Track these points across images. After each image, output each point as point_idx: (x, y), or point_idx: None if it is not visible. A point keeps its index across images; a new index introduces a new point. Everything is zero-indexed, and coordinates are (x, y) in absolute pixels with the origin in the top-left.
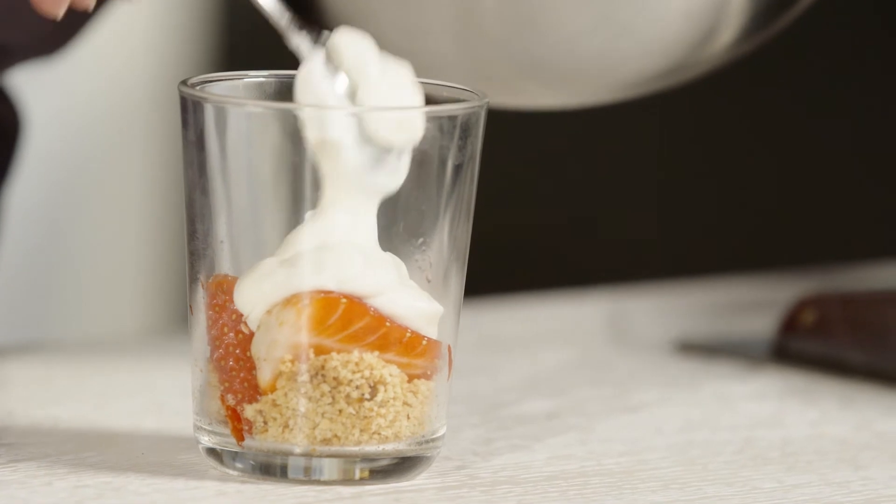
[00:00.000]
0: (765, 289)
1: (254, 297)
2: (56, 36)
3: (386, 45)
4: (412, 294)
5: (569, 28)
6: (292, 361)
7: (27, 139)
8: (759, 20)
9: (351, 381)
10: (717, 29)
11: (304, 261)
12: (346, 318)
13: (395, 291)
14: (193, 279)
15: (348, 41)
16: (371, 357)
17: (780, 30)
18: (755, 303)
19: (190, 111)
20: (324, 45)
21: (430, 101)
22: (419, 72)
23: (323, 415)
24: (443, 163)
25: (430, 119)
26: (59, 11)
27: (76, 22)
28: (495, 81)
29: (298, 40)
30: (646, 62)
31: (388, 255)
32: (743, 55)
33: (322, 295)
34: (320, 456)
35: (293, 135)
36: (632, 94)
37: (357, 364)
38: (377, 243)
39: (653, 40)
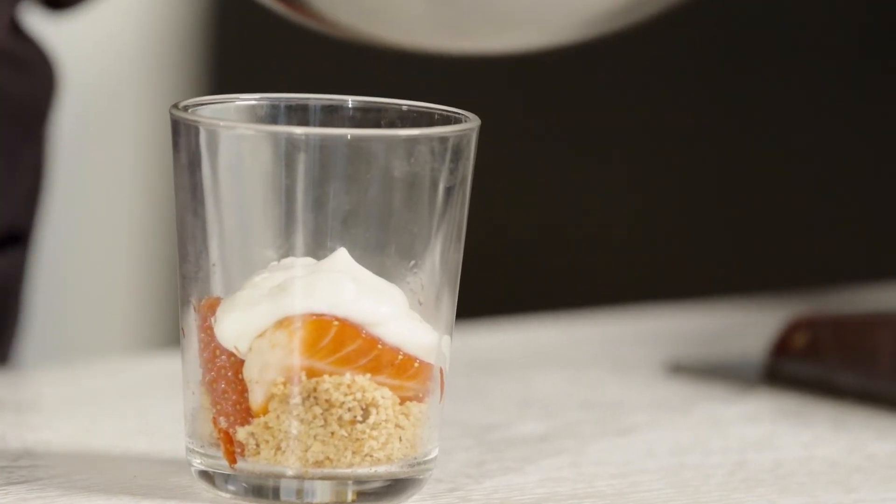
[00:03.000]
0: (756, 311)
1: (238, 330)
2: None
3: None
4: (407, 325)
5: None
6: (284, 384)
7: (63, 82)
8: None
9: (343, 403)
10: None
11: (295, 287)
12: (339, 340)
13: (393, 321)
14: (185, 301)
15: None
16: (363, 379)
17: None
18: (747, 325)
19: (181, 134)
20: None
21: (421, 122)
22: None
23: (315, 437)
24: (434, 185)
25: (422, 141)
26: None
27: None
28: (458, 19)
29: None
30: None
31: (387, 285)
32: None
33: (314, 317)
34: (312, 478)
35: (285, 157)
36: (594, 33)
37: (349, 386)
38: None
39: None
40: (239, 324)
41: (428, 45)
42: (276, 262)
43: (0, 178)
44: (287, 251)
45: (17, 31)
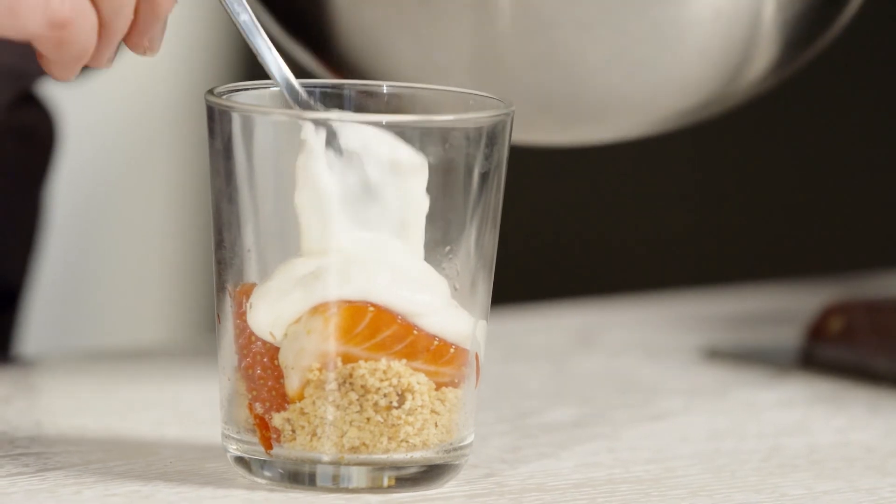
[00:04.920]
0: (791, 296)
1: (273, 317)
2: None
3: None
4: (445, 315)
5: (585, 63)
6: (320, 370)
7: (63, 147)
8: (785, 55)
9: (379, 389)
10: (741, 66)
11: (330, 273)
12: (374, 326)
13: (435, 312)
14: (221, 288)
15: (350, 134)
16: (399, 365)
17: (805, 62)
18: (782, 310)
19: (216, 120)
20: (327, 128)
21: (457, 109)
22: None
23: (351, 423)
24: (469, 171)
25: (457, 127)
26: (71, 77)
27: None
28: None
29: (303, 122)
30: (666, 100)
31: (429, 273)
32: (773, 86)
33: (349, 303)
34: (348, 464)
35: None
36: (657, 131)
37: (385, 372)
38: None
39: (670, 78)
40: (273, 311)
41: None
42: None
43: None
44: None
45: (23, 101)
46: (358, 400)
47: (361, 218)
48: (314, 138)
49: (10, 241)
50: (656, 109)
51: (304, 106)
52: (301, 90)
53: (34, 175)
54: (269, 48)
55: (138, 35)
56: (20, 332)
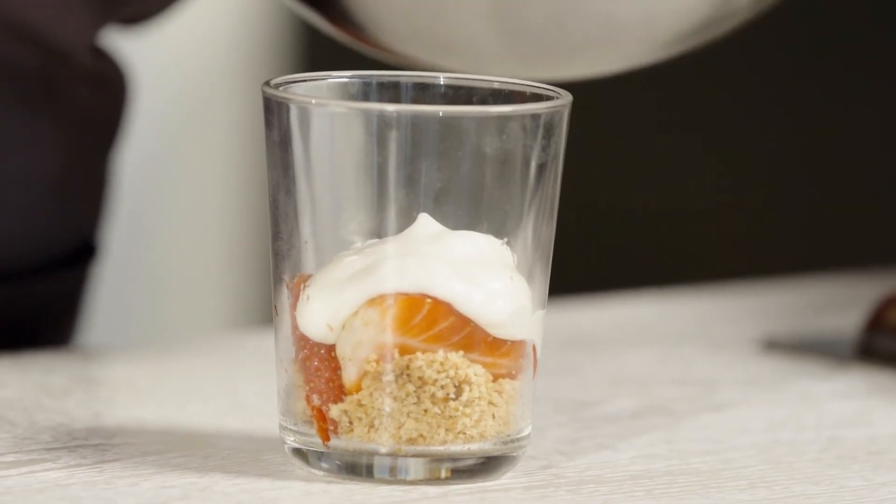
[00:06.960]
0: (850, 287)
1: (328, 311)
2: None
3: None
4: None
5: None
6: (377, 361)
7: (136, 97)
8: None
9: (436, 380)
10: None
11: (386, 267)
12: (431, 317)
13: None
14: (278, 279)
15: None
16: (456, 357)
17: None
18: (840, 301)
19: (274, 112)
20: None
21: (513, 99)
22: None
23: (408, 414)
24: (526, 162)
25: (514, 118)
26: None
27: None
28: (532, 53)
29: None
30: (666, 22)
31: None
32: (775, 3)
33: (406, 295)
34: (406, 456)
35: (377, 135)
36: (667, 54)
37: (442, 364)
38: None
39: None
40: (330, 304)
41: (501, 73)
42: (368, 241)
43: (77, 192)
44: (378, 228)
45: (96, 50)
46: (415, 391)
47: None
48: None
49: (86, 195)
50: (657, 33)
51: None
52: None
53: (109, 126)
54: None
55: None
56: (92, 298)
